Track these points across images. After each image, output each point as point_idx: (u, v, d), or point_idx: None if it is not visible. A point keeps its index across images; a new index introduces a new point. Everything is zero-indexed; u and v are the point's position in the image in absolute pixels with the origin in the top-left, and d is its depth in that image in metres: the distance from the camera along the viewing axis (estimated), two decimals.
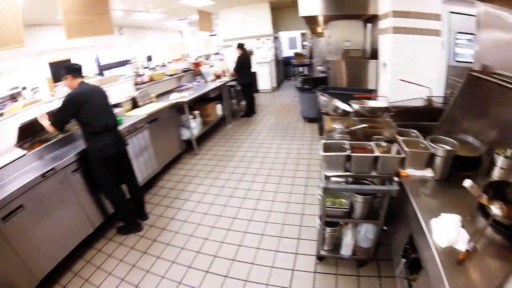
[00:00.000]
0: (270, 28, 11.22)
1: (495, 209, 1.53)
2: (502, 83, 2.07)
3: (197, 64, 8.36)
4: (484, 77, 2.31)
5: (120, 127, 3.87)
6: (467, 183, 1.57)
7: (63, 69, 3.27)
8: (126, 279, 2.99)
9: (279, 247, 3.12)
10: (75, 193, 3.32)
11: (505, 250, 1.35)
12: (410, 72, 3.81)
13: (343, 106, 2.98)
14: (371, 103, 2.99)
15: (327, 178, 2.22)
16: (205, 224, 3.67)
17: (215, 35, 15.14)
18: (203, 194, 4.38)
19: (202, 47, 14.69)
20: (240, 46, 8.00)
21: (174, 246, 3.36)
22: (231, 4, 10.51)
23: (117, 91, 5.27)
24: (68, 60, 8.20)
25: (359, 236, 2.57)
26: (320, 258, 2.84)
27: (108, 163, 3.38)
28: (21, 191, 2.70)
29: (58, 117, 3.19)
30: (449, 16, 3.83)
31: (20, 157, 3.18)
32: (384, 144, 2.26)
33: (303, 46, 14.87)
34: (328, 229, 2.58)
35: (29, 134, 3.59)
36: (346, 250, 2.64)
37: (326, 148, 2.25)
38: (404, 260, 1.97)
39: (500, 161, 1.90)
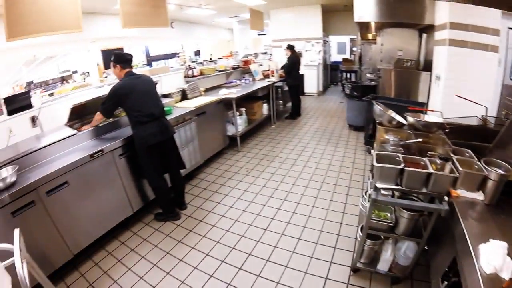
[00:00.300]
0: (320, 31, 11.13)
1: None
2: None
3: (246, 62, 8.45)
4: None
5: (169, 117, 4.03)
6: None
7: (114, 58, 3.41)
8: (158, 265, 3.10)
9: (314, 254, 3.11)
10: (119, 176, 3.50)
11: None
12: (463, 88, 3.67)
13: (398, 117, 2.92)
14: (427, 118, 2.90)
15: (377, 189, 2.18)
16: (242, 221, 3.72)
17: (264, 34, 15.20)
18: (243, 191, 4.44)
19: (250, 45, 14.78)
20: (291, 48, 7.98)
21: (209, 239, 3.44)
22: (282, 4, 10.54)
23: (168, 82, 5.45)
24: (121, 49, 8.52)
25: (398, 252, 2.52)
26: (354, 270, 2.81)
27: (153, 151, 3.49)
28: (68, 168, 2.89)
29: (105, 106, 3.36)
30: (508, 32, 3.70)
31: (70, 136, 3.38)
32: (438, 161, 2.20)
33: (351, 52, 14.65)
34: (368, 242, 2.55)
35: (80, 115, 3.81)
36: (383, 265, 2.59)
37: (379, 159, 2.23)
38: (445, 283, 1.92)
39: None
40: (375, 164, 2.16)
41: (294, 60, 7.93)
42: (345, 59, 13.28)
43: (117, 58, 3.42)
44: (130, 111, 3.38)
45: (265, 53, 12.60)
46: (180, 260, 3.13)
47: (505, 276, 1.34)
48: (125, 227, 3.70)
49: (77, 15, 3.89)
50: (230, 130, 6.01)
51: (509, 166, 2.00)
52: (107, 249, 3.36)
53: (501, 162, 2.06)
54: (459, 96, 3.28)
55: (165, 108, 4.08)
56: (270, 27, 12.28)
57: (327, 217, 3.70)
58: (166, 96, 5.07)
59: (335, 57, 14.89)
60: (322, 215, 3.76)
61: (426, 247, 2.41)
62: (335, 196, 4.18)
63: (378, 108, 3.00)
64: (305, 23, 11.08)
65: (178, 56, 13.48)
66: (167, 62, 13.82)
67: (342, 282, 2.74)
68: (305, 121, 8.21)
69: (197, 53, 15.79)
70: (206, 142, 5.16)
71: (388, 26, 5.48)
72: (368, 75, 7.92)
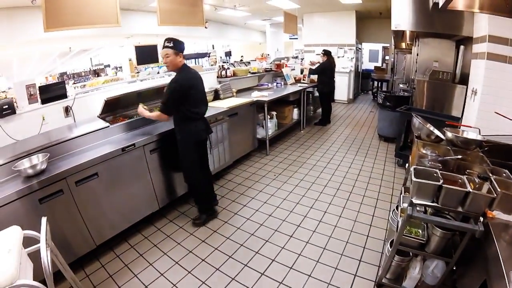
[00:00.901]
0: (353, 38, 11.03)
1: None
2: None
3: (279, 66, 8.45)
4: None
5: None
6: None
7: (175, 45, 3.20)
8: (180, 263, 3.13)
9: (338, 265, 3.07)
10: (148, 172, 3.57)
11: None
12: (501, 104, 3.58)
13: (437, 132, 2.86)
14: (466, 134, 2.83)
15: (413, 205, 2.15)
16: (268, 226, 3.73)
17: (295, 38, 15.20)
18: (270, 196, 4.45)
19: (281, 49, 14.81)
20: (328, 54, 7.91)
21: (233, 241, 3.46)
22: (316, 9, 10.52)
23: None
24: (155, 46, 8.70)
25: (426, 271, 2.46)
26: (379, 285, 2.75)
27: (198, 147, 3.55)
28: (99, 160, 2.98)
29: (168, 104, 3.28)
30: None
31: (103, 128, 3.49)
32: (476, 180, 2.15)
33: (384, 60, 14.47)
34: (397, 257, 2.51)
35: (113, 108, 3.92)
36: (410, 283, 2.53)
37: (417, 174, 2.19)
38: None
39: None
40: (414, 179, 2.11)
41: (327, 66, 7.86)
42: (377, 68, 13.12)
43: (179, 46, 3.23)
44: (188, 106, 3.32)
45: (297, 57, 12.59)
46: (203, 260, 3.16)
47: None
48: (150, 222, 3.77)
49: (116, 10, 4.00)
50: (260, 133, 6.04)
51: None
52: (130, 243, 3.44)
53: None
54: (498, 114, 3.18)
55: None
56: (302, 31, 12.25)
57: (354, 229, 3.65)
58: None
59: (367, 65, 14.76)
60: (348, 226, 3.71)
61: (454, 268, 2.34)
62: (362, 207, 4.12)
63: (417, 121, 2.94)
64: (338, 28, 11.01)
65: (209, 56, 13.66)
66: (198, 61, 14.03)
67: None
68: (334, 128, 8.16)
69: (228, 53, 15.94)
70: (236, 143, 5.20)
71: (424, 36, 5.40)
72: (401, 85, 7.79)
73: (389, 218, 2.76)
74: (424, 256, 2.44)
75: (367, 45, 14.18)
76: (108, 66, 11.85)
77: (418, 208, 2.19)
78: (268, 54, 11.91)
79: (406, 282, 2.56)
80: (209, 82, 6.02)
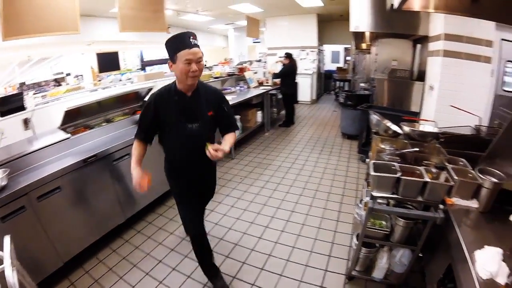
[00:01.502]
0: (315, 40, 11.22)
1: None
2: None
3: (241, 69, 8.48)
4: None
5: None
6: None
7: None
8: (150, 274, 3.05)
9: (309, 262, 3.10)
10: (113, 182, 3.45)
11: None
12: (456, 98, 3.75)
13: (394, 127, 2.95)
14: (422, 127, 2.94)
15: (374, 198, 2.20)
16: (236, 229, 3.70)
17: (259, 42, 15.29)
18: (237, 199, 4.42)
19: (245, 53, 14.86)
20: (289, 56, 8.00)
21: None
22: (278, 12, 10.61)
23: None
24: (116, 53, 8.52)
25: (393, 260, 2.52)
26: (350, 278, 2.81)
27: None
28: (61, 173, 2.85)
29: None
30: (501, 44, 3.77)
31: (63, 140, 3.34)
32: (434, 170, 2.23)
33: (345, 61, 14.80)
34: (364, 250, 2.56)
35: (75, 118, 3.74)
36: (378, 273, 2.60)
37: (376, 168, 2.25)
38: None
39: None
40: (372, 173, 2.18)
41: (289, 69, 7.96)
42: (339, 68, 13.43)
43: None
44: None
45: (260, 60, 12.69)
46: (173, 269, 3.10)
47: (501, 281, 1.37)
48: (117, 235, 3.64)
49: (75, 17, 3.90)
50: None
51: (502, 175, 2.04)
52: (98, 257, 3.31)
53: (495, 170, 2.10)
54: (454, 107, 3.33)
55: None
56: (265, 35, 12.34)
57: (321, 225, 3.70)
58: None
59: (329, 66, 15.04)
60: (316, 223, 3.75)
61: (421, 254, 2.42)
62: (329, 204, 4.18)
63: (375, 117, 3.03)
64: (300, 31, 11.17)
65: None
66: (161, 67, 13.86)
67: None
68: (298, 129, 8.25)
69: None
70: None
71: (383, 36, 5.55)
72: (362, 84, 7.98)
73: (355, 213, 2.82)
74: (391, 246, 2.50)
75: (329, 46, 14.44)
76: (69, 74, 11.49)
77: (380, 201, 2.24)
78: (231, 58, 11.92)
79: (375, 273, 2.62)
80: None
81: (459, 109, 3.23)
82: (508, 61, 3.88)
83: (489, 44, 3.66)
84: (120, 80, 7.80)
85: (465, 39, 3.73)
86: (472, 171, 2.14)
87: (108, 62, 8.35)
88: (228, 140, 2.48)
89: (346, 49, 14.74)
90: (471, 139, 2.91)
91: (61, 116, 3.53)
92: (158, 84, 5.38)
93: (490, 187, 1.94)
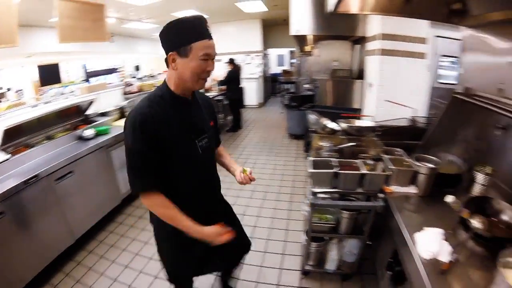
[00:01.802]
0: (260, 45, 11.38)
1: (476, 223, 1.61)
2: (484, 105, 2.19)
3: None
4: (468, 99, 2.44)
5: (106, 137, 3.89)
6: (450, 198, 1.66)
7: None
8: None
9: (263, 262, 3.12)
10: (57, 203, 3.24)
11: (486, 260, 1.41)
12: (395, 93, 3.92)
13: (331, 124, 3.06)
14: (358, 123, 3.07)
15: (315, 194, 2.26)
16: None
17: None
18: None
19: None
20: (231, 61, 8.05)
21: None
22: (223, 19, 10.63)
23: (105, 99, 5.24)
24: (56, 65, 8.09)
25: (344, 251, 2.60)
26: (305, 273, 2.86)
27: None
28: (2, 198, 2.63)
29: None
30: (435, 40, 4.03)
31: (3, 161, 3.09)
32: (370, 162, 2.33)
33: (291, 64, 15.08)
34: (313, 244, 2.61)
35: (15, 137, 3.48)
36: (331, 264, 2.67)
37: (315, 165, 2.31)
38: (389, 273, 2.02)
39: (479, 178, 2.01)
40: (310, 170, 2.26)
41: (233, 74, 8.01)
42: (284, 71, 13.67)
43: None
44: None
45: None
46: (129, 285, 2.99)
47: (444, 259, 1.45)
48: (69, 258, 3.41)
49: (13, 29, 3.63)
50: None
51: (438, 160, 2.18)
52: (52, 283, 3.08)
53: (431, 157, 2.25)
54: (389, 101, 3.49)
55: (102, 128, 3.97)
56: None
57: (273, 225, 3.74)
58: (103, 114, 4.86)
59: (275, 69, 15.29)
60: (268, 223, 3.79)
61: (369, 242, 2.50)
62: (279, 204, 4.23)
63: (312, 116, 3.13)
64: (245, 37, 11.27)
65: (118, 72, 13.11)
66: (107, 78, 13.41)
67: (294, 286, 2.78)
68: (246, 133, 8.28)
69: (138, 68, 15.46)
70: None
71: (324, 38, 5.70)
72: (306, 86, 8.14)
73: (302, 210, 2.88)
74: (339, 238, 2.58)
75: (274, 50, 14.66)
76: (9, 89, 10.79)
77: (323, 195, 2.31)
78: None
79: (328, 265, 2.70)
80: (115, 99, 5.71)
81: (394, 103, 3.40)
82: (442, 55, 4.21)
83: (424, 41, 3.87)
84: (62, 94, 7.43)
85: (401, 37, 3.91)
86: (408, 160, 2.26)
87: (50, 74, 7.90)
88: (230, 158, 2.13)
89: (291, 52, 15.02)
90: (408, 130, 3.09)
91: (0, 135, 3.29)
92: (101, 96, 5.18)
93: (426, 173, 2.06)
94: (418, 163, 2.13)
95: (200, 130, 1.73)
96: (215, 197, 1.99)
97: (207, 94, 7.87)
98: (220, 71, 9.15)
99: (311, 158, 2.41)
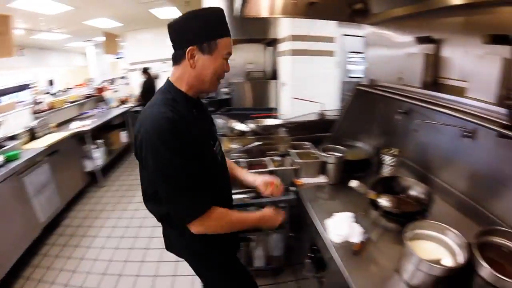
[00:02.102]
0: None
1: (384, 202, 1.75)
2: (383, 93, 2.36)
3: (100, 90, 7.98)
4: (368, 89, 2.62)
5: (16, 163, 3.57)
6: (354, 183, 1.79)
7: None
8: None
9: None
10: None
11: (398, 234, 1.50)
12: (307, 90, 4.10)
13: (239, 126, 3.13)
14: (267, 121, 3.18)
15: None
16: (117, 260, 3.52)
17: (121, 58, 14.59)
18: (112, 228, 4.19)
19: (107, 70, 14.06)
20: (145, 71, 7.87)
21: None
22: (139, 26, 10.22)
23: (14, 121, 4.79)
24: None
25: (269, 245, 2.68)
26: None
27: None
28: None
29: None
30: (342, 38, 4.36)
31: None
32: (278, 158, 2.43)
33: None
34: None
35: None
36: (260, 261, 2.75)
37: None
38: (309, 261, 2.14)
39: (387, 159, 2.22)
40: None
41: (148, 83, 7.81)
42: None
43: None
44: None
45: (123, 77, 12.13)
46: None
47: (355, 240, 1.56)
48: None
49: None
50: (89, 166, 5.55)
51: (344, 148, 2.37)
52: None
53: (338, 146, 2.43)
54: (296, 98, 3.68)
55: (12, 153, 3.66)
56: (127, 50, 11.86)
57: None
58: (12, 138, 4.44)
59: None
60: None
61: (291, 234, 2.61)
62: None
63: (219, 120, 3.19)
64: (161, 44, 10.75)
65: (31, 88, 12.15)
66: (19, 95, 12.38)
67: None
68: None
69: (51, 82, 14.51)
70: (65, 183, 4.67)
71: (237, 42, 5.79)
72: (223, 89, 8.20)
73: None
74: (263, 234, 2.66)
75: None
76: None
77: (239, 196, 2.31)
78: (92, 78, 11.21)
79: (256, 262, 2.77)
80: (23, 120, 5.26)
81: (301, 99, 3.58)
82: (350, 52, 4.63)
83: (332, 40, 4.12)
84: None
85: (310, 38, 4.13)
86: (316, 151, 2.39)
87: None
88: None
89: None
90: (317, 123, 3.25)
91: None
92: (9, 118, 4.73)
93: (333, 162, 2.22)
94: (324, 154, 2.27)
95: (213, 134, 1.62)
96: (231, 205, 1.78)
97: (122, 106, 7.64)
98: (135, 81, 8.95)
99: None
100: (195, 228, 1.34)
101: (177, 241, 1.61)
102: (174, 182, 1.27)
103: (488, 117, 1.47)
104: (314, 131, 3.02)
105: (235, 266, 1.80)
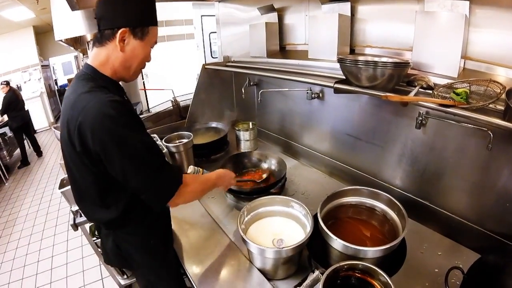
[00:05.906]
0: (36, 56, 9.99)
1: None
2: (234, 68, 2.43)
3: None
4: (218, 67, 2.63)
5: None
6: (190, 169, 1.66)
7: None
8: None
9: None
10: None
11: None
12: (169, 78, 4.02)
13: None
14: None
15: (75, 213, 2.04)
16: None
17: None
18: None
19: None
20: (7, 84, 6.83)
21: None
22: None
23: None
24: None
25: None
26: None
27: None
28: None
29: None
30: (201, 19, 4.24)
31: None
32: None
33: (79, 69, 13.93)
34: None
35: None
36: None
37: (63, 184, 2.12)
38: None
39: (242, 134, 2.27)
40: (59, 190, 2.04)
41: (11, 98, 6.77)
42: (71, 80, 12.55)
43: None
44: None
45: None
46: None
47: None
48: None
49: None
50: None
51: (189, 133, 2.28)
52: None
53: (184, 132, 2.35)
54: (144, 89, 3.57)
55: None
56: None
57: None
58: None
59: (64, 79, 13.75)
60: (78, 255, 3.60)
61: None
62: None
63: None
64: (18, 51, 9.64)
65: None
66: None
67: None
68: (46, 161, 7.30)
69: None
70: None
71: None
72: None
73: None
74: None
75: (57, 59, 13.17)
76: None
77: None
78: None
79: None
80: None
81: (149, 89, 3.49)
82: (212, 32, 4.49)
83: (191, 22, 4.11)
84: None
85: (168, 22, 4.09)
86: (160, 144, 2.26)
87: None
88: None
89: (75, 58, 13.70)
90: (171, 112, 3.17)
91: None
92: None
93: (178, 150, 2.16)
94: (167, 145, 2.18)
95: None
96: None
97: None
98: None
99: (61, 178, 2.22)
100: (176, 200, 1.27)
101: (130, 244, 1.44)
102: (149, 163, 1.17)
103: (332, 76, 1.53)
104: (172, 119, 2.85)
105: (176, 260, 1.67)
